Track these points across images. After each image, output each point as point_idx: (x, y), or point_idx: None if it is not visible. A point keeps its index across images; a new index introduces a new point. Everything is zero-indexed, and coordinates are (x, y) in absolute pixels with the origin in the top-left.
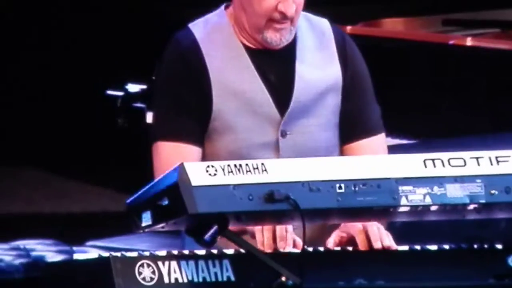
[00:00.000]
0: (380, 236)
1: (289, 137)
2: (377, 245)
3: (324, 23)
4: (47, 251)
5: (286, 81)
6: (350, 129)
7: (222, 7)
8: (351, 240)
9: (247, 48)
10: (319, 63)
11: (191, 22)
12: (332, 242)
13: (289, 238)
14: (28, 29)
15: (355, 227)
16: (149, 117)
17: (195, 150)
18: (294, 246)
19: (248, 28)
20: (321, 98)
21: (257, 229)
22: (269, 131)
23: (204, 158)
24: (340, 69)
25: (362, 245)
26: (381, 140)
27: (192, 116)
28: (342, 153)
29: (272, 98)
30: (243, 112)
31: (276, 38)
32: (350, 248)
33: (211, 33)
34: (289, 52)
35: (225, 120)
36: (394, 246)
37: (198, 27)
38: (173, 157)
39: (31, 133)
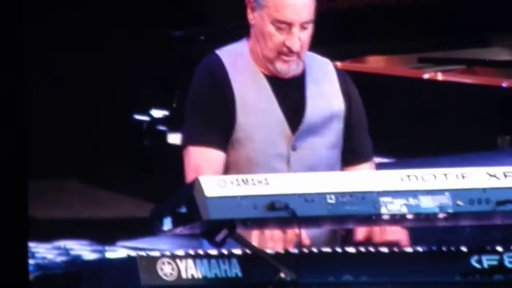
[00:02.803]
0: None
1: (298, 151)
2: (390, 237)
3: (327, 62)
4: (84, 250)
5: (298, 105)
6: (349, 155)
7: (244, 39)
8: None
9: (264, 74)
10: (324, 94)
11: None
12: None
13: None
14: (68, 53)
15: None
16: (171, 138)
17: (220, 155)
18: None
19: (261, 58)
20: (327, 122)
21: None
22: (282, 145)
23: (227, 163)
24: (343, 101)
25: (376, 233)
26: (372, 167)
27: (219, 126)
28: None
29: (286, 117)
30: (261, 127)
31: (285, 68)
32: (339, 249)
33: (235, 59)
34: (299, 82)
35: (246, 132)
36: (402, 241)
37: (224, 54)
38: (202, 160)
39: (72, 151)
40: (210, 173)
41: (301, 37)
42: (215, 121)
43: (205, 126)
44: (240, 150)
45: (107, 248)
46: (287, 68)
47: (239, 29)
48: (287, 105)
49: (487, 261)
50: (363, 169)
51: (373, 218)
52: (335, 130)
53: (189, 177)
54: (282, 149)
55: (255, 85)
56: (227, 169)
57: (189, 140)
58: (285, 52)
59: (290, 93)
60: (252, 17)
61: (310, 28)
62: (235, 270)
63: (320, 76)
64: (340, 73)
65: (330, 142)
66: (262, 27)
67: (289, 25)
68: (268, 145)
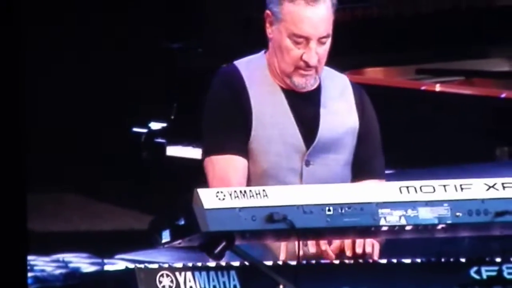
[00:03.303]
0: (364, 244)
1: (311, 166)
2: (358, 250)
3: (344, 79)
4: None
5: (313, 121)
6: (358, 170)
7: (263, 51)
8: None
9: (281, 87)
10: (340, 110)
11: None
12: (333, 246)
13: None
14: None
15: None
16: (169, 151)
17: (244, 162)
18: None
19: (279, 72)
20: (340, 139)
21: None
22: (295, 159)
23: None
24: (358, 117)
25: (347, 248)
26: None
27: (239, 134)
28: None
29: (300, 132)
30: (275, 140)
31: (302, 82)
32: (337, 261)
33: (253, 71)
34: (315, 97)
35: (260, 144)
36: (375, 253)
37: (242, 65)
38: (227, 167)
39: (70, 164)
40: (237, 180)
41: (318, 52)
42: (235, 130)
43: (227, 135)
44: (256, 161)
45: (105, 260)
46: (304, 83)
47: (237, 43)
48: (302, 119)
49: (486, 272)
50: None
51: (372, 230)
52: (349, 147)
53: (215, 186)
54: (295, 164)
55: (272, 98)
56: (248, 180)
57: (211, 150)
58: (302, 66)
59: (306, 108)
60: (270, 31)
61: (328, 43)
62: (234, 282)
63: (336, 92)
64: (356, 88)
65: (343, 159)
66: (280, 41)
67: (307, 39)
68: (282, 159)
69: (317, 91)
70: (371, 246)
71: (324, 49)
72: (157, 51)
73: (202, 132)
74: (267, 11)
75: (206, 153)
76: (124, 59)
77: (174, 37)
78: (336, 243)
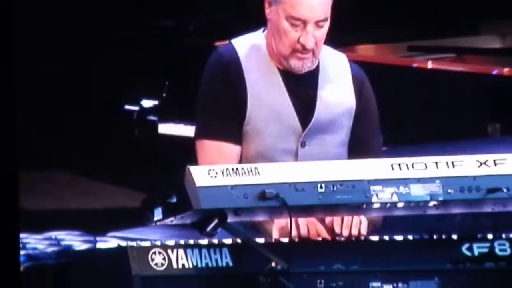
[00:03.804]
0: (351, 225)
1: (307, 148)
2: (345, 232)
3: (343, 58)
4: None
5: (309, 101)
6: (355, 149)
7: (261, 29)
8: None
9: (278, 69)
10: (337, 91)
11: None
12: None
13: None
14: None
15: None
16: (161, 128)
17: (235, 149)
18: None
19: (276, 53)
20: (337, 120)
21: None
22: (291, 140)
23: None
24: (355, 98)
25: (337, 228)
26: None
27: (232, 119)
28: None
29: (297, 113)
30: (271, 121)
31: (298, 65)
32: (329, 238)
33: (250, 50)
34: (313, 78)
35: (255, 126)
36: (362, 234)
37: (239, 44)
38: (216, 154)
39: (62, 142)
40: None
41: (315, 35)
42: (229, 114)
43: (220, 119)
44: (250, 143)
45: (98, 238)
46: (301, 65)
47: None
48: (299, 100)
49: (478, 249)
50: None
51: (364, 207)
52: (345, 128)
53: None
54: (291, 145)
55: (268, 79)
56: (240, 163)
57: (204, 133)
58: (299, 49)
59: (303, 89)
60: (268, 11)
61: (325, 26)
62: (226, 260)
63: (334, 72)
64: (355, 68)
65: (339, 139)
66: (278, 22)
67: (304, 22)
68: (278, 140)
69: (315, 71)
70: (357, 228)
71: (322, 32)
72: (149, 28)
73: (196, 112)
74: None
75: (197, 136)
76: (116, 35)
77: (165, 15)
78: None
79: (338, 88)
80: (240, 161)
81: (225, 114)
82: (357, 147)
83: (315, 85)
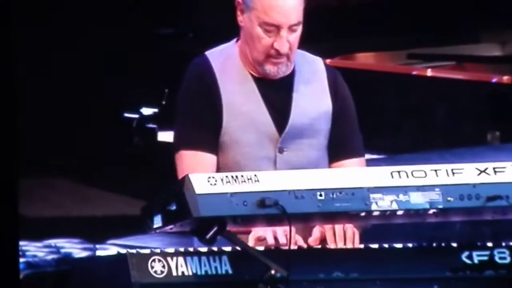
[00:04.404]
0: (344, 238)
1: (285, 153)
2: (339, 244)
3: (318, 61)
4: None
5: (285, 107)
6: (336, 150)
7: (234, 40)
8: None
9: (252, 76)
10: (312, 94)
11: (207, 51)
12: (313, 238)
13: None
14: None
15: (327, 225)
16: (160, 136)
17: (212, 158)
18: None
19: (251, 60)
20: (313, 123)
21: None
22: (268, 147)
23: (217, 167)
24: (331, 100)
25: (329, 241)
26: (361, 163)
27: (208, 129)
28: None
29: (273, 119)
30: (248, 129)
31: (273, 70)
32: (329, 246)
33: (224, 61)
34: (288, 82)
35: (232, 135)
36: (356, 246)
37: (213, 55)
38: (194, 164)
39: (62, 149)
40: None
41: (289, 40)
42: (205, 124)
43: (196, 129)
44: (227, 153)
45: (97, 246)
46: (276, 70)
47: (227, 27)
48: (274, 107)
49: (478, 256)
50: (351, 165)
51: (363, 215)
52: (323, 131)
53: None
54: (269, 152)
55: (243, 88)
56: (217, 172)
57: (181, 145)
58: (273, 54)
59: (278, 95)
60: (241, 19)
61: (299, 30)
62: (226, 267)
63: (309, 76)
64: (330, 70)
65: (318, 143)
66: (251, 29)
67: (277, 27)
68: (255, 148)
69: (291, 76)
70: (351, 240)
71: (295, 36)
72: (149, 36)
73: (174, 126)
74: None
75: (176, 148)
76: (115, 43)
77: (165, 23)
78: (316, 235)
79: (314, 92)
80: (218, 171)
81: (201, 125)
82: (338, 149)
83: (291, 90)
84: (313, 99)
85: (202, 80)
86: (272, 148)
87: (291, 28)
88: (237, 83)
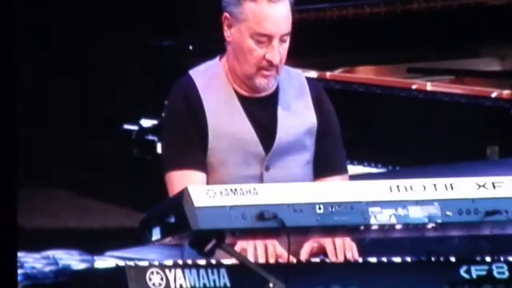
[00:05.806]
0: (344, 249)
1: (271, 171)
2: (341, 258)
3: (300, 76)
4: (73, 260)
5: (270, 125)
6: (321, 167)
7: (217, 58)
8: (321, 250)
9: (238, 94)
10: (297, 111)
11: (191, 69)
12: (304, 252)
13: (272, 252)
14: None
15: (325, 239)
16: (160, 148)
17: (202, 176)
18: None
19: (240, 75)
20: (299, 140)
21: (249, 243)
22: (255, 165)
23: None
24: (315, 116)
25: (331, 254)
26: (344, 180)
27: (196, 148)
28: None
29: (259, 138)
30: (234, 150)
31: (264, 83)
32: (327, 260)
33: (208, 80)
34: (272, 100)
35: (219, 156)
36: (355, 257)
37: (197, 75)
38: (184, 183)
39: (61, 160)
40: None
41: (280, 50)
42: (193, 143)
43: (183, 149)
44: (214, 173)
45: (96, 257)
46: (266, 84)
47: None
48: (260, 125)
49: (476, 271)
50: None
51: (362, 228)
52: (309, 147)
53: None
54: (255, 170)
55: (228, 107)
56: None
57: (170, 165)
58: (265, 66)
59: (264, 113)
60: (229, 34)
61: (288, 41)
62: (224, 280)
63: (293, 92)
64: (312, 84)
65: (303, 159)
66: (241, 42)
67: (269, 38)
68: (241, 168)
69: (275, 93)
70: (351, 250)
71: (285, 47)
72: (148, 48)
73: (161, 147)
74: (225, 14)
75: (165, 169)
76: (115, 55)
77: (164, 34)
78: (306, 249)
79: (298, 109)
80: None
81: (189, 144)
82: (323, 164)
83: (275, 107)
84: (298, 115)
85: (188, 100)
86: (259, 166)
87: (282, 38)
88: (221, 102)
